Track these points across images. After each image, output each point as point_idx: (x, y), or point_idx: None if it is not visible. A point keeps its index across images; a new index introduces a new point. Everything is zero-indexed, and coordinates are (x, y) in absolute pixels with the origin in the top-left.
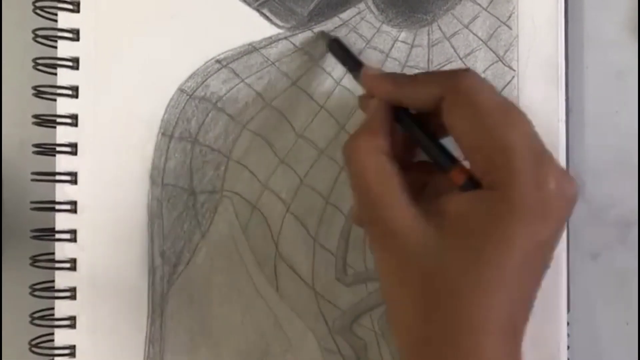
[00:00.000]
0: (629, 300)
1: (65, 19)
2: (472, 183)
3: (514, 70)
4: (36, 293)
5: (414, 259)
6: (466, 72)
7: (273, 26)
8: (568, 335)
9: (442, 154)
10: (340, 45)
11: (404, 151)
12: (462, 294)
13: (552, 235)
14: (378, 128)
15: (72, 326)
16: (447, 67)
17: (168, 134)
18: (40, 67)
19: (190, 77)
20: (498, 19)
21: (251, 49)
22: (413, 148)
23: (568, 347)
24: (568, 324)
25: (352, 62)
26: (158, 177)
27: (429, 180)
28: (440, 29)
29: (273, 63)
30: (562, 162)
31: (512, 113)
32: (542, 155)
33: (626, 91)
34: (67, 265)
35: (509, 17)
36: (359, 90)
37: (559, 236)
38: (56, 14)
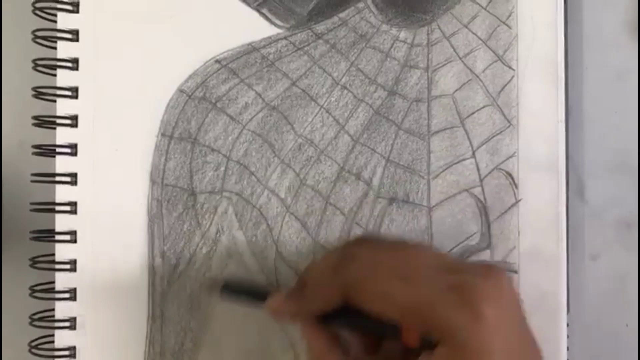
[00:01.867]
0: (628, 301)
1: (64, 20)
2: (427, 341)
3: (514, 70)
4: (36, 294)
5: None
6: (355, 254)
7: (272, 26)
8: (568, 336)
9: (386, 329)
10: (234, 285)
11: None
12: None
13: (513, 330)
14: (325, 352)
15: (73, 327)
16: (446, 66)
17: (168, 134)
18: (40, 68)
19: (190, 77)
20: (497, 18)
21: (251, 49)
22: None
23: (568, 348)
24: (568, 324)
25: (254, 297)
26: (158, 177)
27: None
28: (439, 28)
29: (272, 63)
30: (562, 162)
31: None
32: (459, 285)
33: (626, 91)
34: (67, 266)
35: (509, 16)
36: (359, 89)
37: (520, 313)
38: (56, 15)
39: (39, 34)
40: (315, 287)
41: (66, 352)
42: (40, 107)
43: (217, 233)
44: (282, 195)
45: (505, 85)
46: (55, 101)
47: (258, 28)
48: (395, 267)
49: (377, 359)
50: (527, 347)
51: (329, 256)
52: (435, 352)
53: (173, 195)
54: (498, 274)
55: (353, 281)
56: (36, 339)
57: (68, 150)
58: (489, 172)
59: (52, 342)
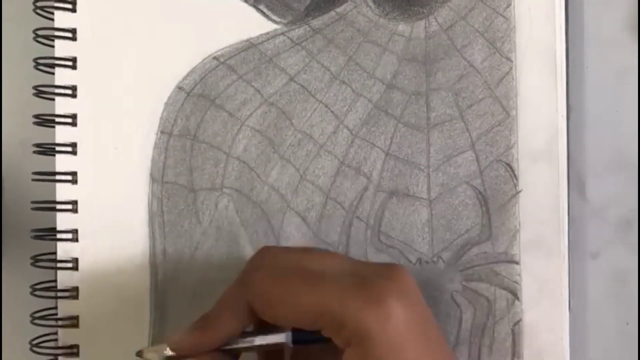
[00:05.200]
0: (629, 300)
1: (62, 19)
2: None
3: (512, 61)
4: (37, 293)
5: None
6: (255, 265)
7: (270, 22)
8: None
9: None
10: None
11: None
12: None
13: (421, 327)
14: None
15: (75, 325)
16: (444, 59)
17: (167, 131)
18: (40, 67)
19: (188, 74)
20: (495, 10)
21: (248, 45)
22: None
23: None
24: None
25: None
26: (158, 175)
27: None
28: (437, 21)
29: (271, 59)
30: (563, 152)
31: (307, 273)
32: (357, 283)
33: (626, 91)
34: (69, 264)
35: (506, 8)
36: (358, 83)
37: (426, 311)
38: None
39: (40, 32)
40: (221, 310)
41: (69, 350)
42: (41, 106)
43: (217, 230)
44: (282, 191)
45: (504, 76)
46: (55, 99)
47: (255, 24)
48: (300, 270)
49: None
50: (435, 344)
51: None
52: (345, 354)
53: (173, 192)
54: (401, 273)
55: (257, 290)
56: (37, 337)
57: (68, 148)
58: (489, 164)
59: (53, 340)
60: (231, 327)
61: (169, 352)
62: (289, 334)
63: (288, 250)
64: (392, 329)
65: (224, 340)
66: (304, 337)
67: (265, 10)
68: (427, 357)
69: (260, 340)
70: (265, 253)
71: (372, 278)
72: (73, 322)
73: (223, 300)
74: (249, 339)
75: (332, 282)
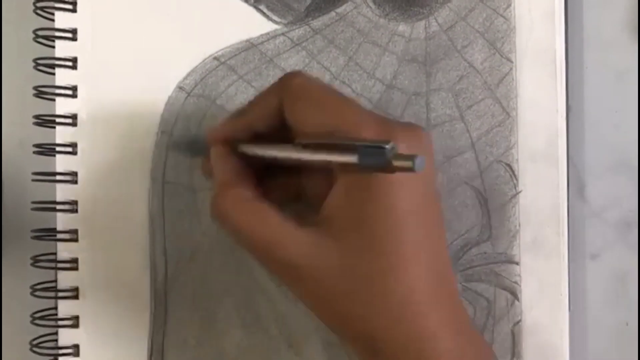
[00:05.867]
0: (629, 300)
1: (62, 19)
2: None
3: (512, 62)
4: (37, 293)
5: (325, 283)
6: (294, 72)
7: (270, 22)
8: None
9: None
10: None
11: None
12: (383, 292)
13: (425, 181)
14: (232, 178)
15: (75, 325)
16: (444, 59)
17: (167, 131)
18: (40, 67)
19: (189, 74)
20: (495, 10)
21: (249, 45)
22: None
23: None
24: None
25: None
26: (158, 174)
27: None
28: (437, 21)
29: (271, 59)
30: (562, 152)
31: (343, 95)
32: (385, 120)
33: (626, 91)
34: (69, 265)
35: (506, 8)
36: (358, 84)
37: (432, 172)
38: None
39: (40, 33)
40: (252, 104)
41: (69, 350)
42: (41, 106)
43: (218, 229)
44: None
45: (504, 77)
46: (55, 100)
47: (256, 24)
48: (330, 90)
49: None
50: (435, 213)
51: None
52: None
53: (173, 192)
54: (418, 128)
55: (288, 93)
56: (37, 338)
57: (68, 149)
58: (489, 164)
59: (53, 340)
60: (259, 119)
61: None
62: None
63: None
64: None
65: (251, 130)
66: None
67: (265, 10)
68: (429, 214)
69: (331, 156)
70: (298, 73)
71: (392, 121)
72: (73, 322)
73: (257, 97)
74: (271, 147)
75: (358, 107)
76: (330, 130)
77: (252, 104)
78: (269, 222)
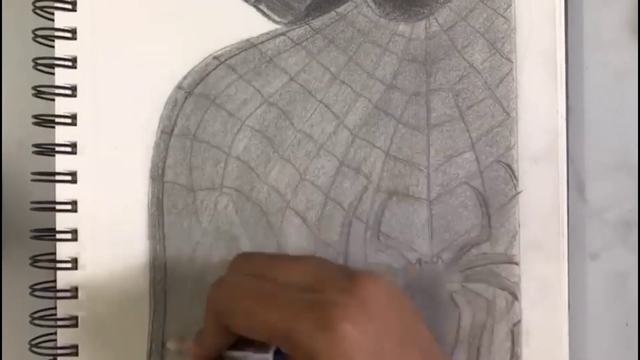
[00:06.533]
0: (628, 301)
1: (62, 18)
2: None
3: (512, 62)
4: (37, 293)
5: None
6: (214, 285)
7: (270, 22)
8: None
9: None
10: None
11: None
12: None
13: (386, 338)
14: None
15: (75, 325)
16: (444, 59)
17: (167, 131)
18: (40, 67)
19: (188, 74)
20: (495, 10)
21: (249, 44)
22: None
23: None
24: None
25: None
26: (158, 174)
27: None
28: (437, 21)
29: (271, 59)
30: (562, 153)
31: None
32: (317, 302)
33: (626, 91)
34: (69, 265)
35: (506, 8)
36: (358, 83)
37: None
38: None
39: (39, 33)
40: (205, 323)
41: (68, 350)
42: (41, 106)
43: (217, 229)
44: (282, 191)
45: (504, 77)
46: (54, 100)
47: (256, 24)
48: (260, 285)
49: None
50: (409, 347)
51: None
52: None
53: (173, 192)
54: (367, 285)
55: (222, 307)
56: (36, 338)
57: (68, 148)
58: (489, 165)
59: (53, 340)
60: (216, 340)
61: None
62: (272, 353)
63: (259, 258)
64: (342, 353)
65: (214, 352)
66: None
67: (265, 10)
68: None
69: (246, 356)
70: (235, 261)
71: (329, 297)
72: (72, 322)
73: (205, 315)
74: (238, 353)
75: (287, 301)
76: (265, 336)
77: (204, 329)
78: None
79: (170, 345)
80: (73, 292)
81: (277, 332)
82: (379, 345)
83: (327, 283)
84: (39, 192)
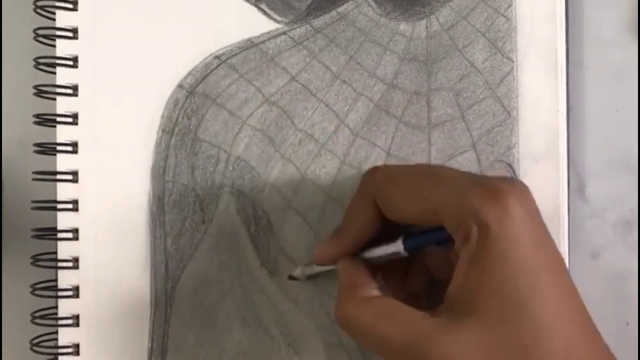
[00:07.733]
0: (629, 300)
1: (63, 18)
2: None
3: (513, 62)
4: (38, 292)
5: None
6: (374, 169)
7: (271, 21)
8: None
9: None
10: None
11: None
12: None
13: (537, 232)
14: (355, 282)
15: (76, 324)
16: (445, 59)
17: (168, 130)
18: (41, 67)
19: (190, 73)
20: (496, 10)
21: (250, 44)
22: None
23: None
24: None
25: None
26: (159, 174)
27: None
28: (438, 21)
29: (272, 58)
30: (563, 152)
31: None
32: (483, 181)
33: (626, 91)
34: (70, 264)
35: (507, 8)
36: (359, 83)
37: (541, 222)
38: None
39: (40, 32)
40: (351, 216)
41: (69, 350)
42: (41, 105)
43: (218, 229)
44: (283, 190)
45: (505, 77)
46: (55, 99)
47: (257, 23)
48: (421, 169)
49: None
50: (550, 246)
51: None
52: (463, 249)
53: (174, 191)
54: (522, 184)
55: (380, 189)
56: (37, 337)
57: (69, 148)
58: (490, 164)
59: (54, 339)
60: (363, 230)
61: (314, 268)
62: (400, 243)
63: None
64: (510, 224)
65: (359, 243)
66: (416, 244)
67: (266, 9)
68: (541, 257)
69: (378, 251)
70: (379, 166)
71: (492, 179)
72: (73, 321)
73: (351, 206)
74: (368, 251)
75: (453, 179)
76: (428, 212)
77: (348, 220)
78: (403, 318)
79: (299, 271)
80: (74, 291)
81: (445, 207)
82: (539, 230)
83: (486, 176)
84: (40, 191)
